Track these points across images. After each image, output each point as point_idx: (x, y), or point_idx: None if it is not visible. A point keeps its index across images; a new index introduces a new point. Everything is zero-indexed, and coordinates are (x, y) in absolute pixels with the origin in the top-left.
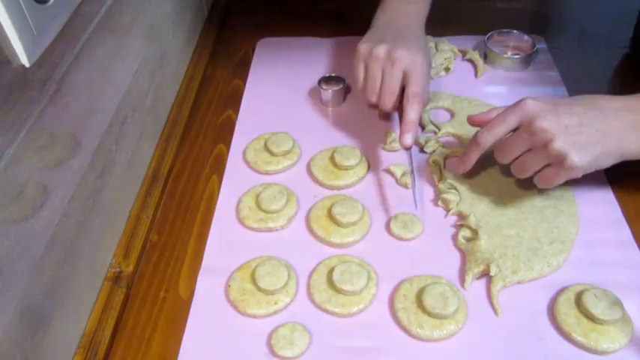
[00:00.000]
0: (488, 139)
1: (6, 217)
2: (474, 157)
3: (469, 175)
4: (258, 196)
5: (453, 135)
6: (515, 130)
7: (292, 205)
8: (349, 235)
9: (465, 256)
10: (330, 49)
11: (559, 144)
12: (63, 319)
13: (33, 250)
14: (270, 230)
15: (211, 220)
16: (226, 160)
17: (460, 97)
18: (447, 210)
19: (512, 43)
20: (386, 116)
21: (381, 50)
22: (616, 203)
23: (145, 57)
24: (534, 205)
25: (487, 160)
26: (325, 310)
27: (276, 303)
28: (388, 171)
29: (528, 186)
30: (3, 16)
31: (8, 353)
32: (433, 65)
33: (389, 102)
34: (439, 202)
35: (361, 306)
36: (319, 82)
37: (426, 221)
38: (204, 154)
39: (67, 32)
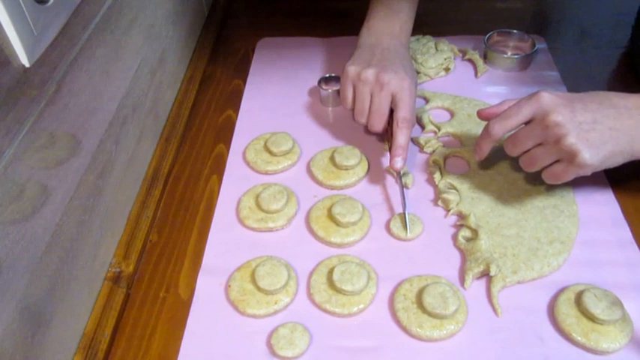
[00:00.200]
0: (499, 129)
1: (6, 217)
2: (485, 147)
3: (469, 175)
4: (258, 196)
5: (453, 135)
6: (527, 122)
7: (292, 205)
8: (349, 235)
9: (465, 256)
10: (330, 49)
11: (571, 140)
12: (63, 319)
13: (33, 250)
14: (270, 230)
15: (211, 220)
16: (226, 160)
17: (460, 97)
18: (447, 210)
19: (512, 43)
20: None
21: (369, 74)
22: (616, 203)
23: (145, 57)
24: (534, 205)
25: (487, 160)
26: (325, 310)
27: (276, 303)
28: (388, 171)
29: (528, 186)
30: (3, 16)
31: (8, 353)
32: (433, 65)
33: (378, 124)
34: (439, 202)
35: (361, 306)
36: (319, 82)
37: (426, 221)
38: (204, 154)
39: (67, 32)
